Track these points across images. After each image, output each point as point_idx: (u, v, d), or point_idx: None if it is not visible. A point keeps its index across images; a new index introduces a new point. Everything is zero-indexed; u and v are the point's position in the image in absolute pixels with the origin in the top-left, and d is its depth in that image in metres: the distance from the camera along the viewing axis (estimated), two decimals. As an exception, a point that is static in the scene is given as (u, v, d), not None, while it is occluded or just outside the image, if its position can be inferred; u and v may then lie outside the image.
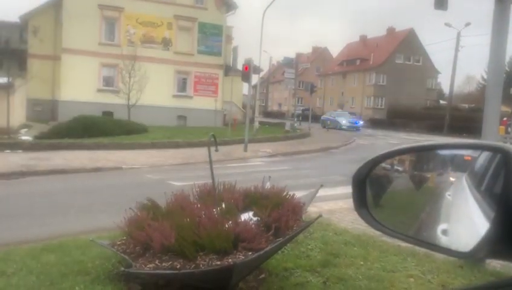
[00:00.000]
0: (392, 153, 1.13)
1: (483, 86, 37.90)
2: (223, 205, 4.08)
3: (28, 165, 11.77)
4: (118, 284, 3.80)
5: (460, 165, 1.23)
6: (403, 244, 5.19)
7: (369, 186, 1.14)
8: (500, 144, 0.95)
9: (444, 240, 1.04)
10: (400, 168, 1.32)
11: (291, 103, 39.57)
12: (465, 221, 1.11)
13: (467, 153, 1.15)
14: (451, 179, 1.24)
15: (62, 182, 10.47)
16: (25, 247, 4.93)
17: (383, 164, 1.22)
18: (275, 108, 77.65)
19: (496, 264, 4.74)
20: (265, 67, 52.47)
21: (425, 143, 1.09)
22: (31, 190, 9.39)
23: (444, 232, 1.08)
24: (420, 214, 1.23)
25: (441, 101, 55.14)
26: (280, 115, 60.96)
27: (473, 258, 1.23)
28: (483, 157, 1.14)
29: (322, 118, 43.71)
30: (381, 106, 55.91)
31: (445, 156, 1.21)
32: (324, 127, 39.26)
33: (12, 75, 19.37)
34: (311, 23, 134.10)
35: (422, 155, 1.26)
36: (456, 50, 37.62)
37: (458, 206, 1.19)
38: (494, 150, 0.97)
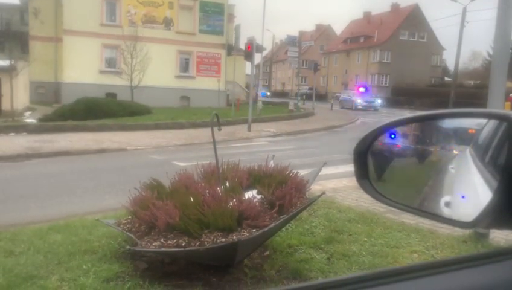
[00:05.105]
0: (393, 123, 1.11)
1: (489, 62, 37.37)
2: (227, 184, 4.10)
3: (33, 148, 11.83)
4: (124, 262, 3.85)
5: (463, 138, 1.21)
6: (407, 220, 5.22)
7: (371, 159, 1.13)
8: (507, 111, 0.93)
9: (447, 211, 1.03)
10: (403, 143, 1.31)
11: (294, 82, 39.25)
12: (468, 192, 1.10)
13: (471, 124, 1.14)
14: (455, 152, 1.23)
15: (67, 163, 10.53)
16: (32, 227, 4.99)
17: (386, 139, 1.21)
18: (279, 88, 77.27)
19: (499, 240, 4.77)
20: (268, 46, 51.95)
21: (428, 112, 1.07)
22: (37, 172, 9.45)
23: (447, 204, 1.08)
24: (423, 188, 1.22)
25: (446, 78, 54.60)
26: (283, 94, 60.81)
27: (475, 227, 1.23)
28: (487, 128, 1.13)
29: (340, 98, 41.34)
30: (385, 83, 55.51)
31: (449, 129, 1.19)
32: (342, 107, 36.99)
33: (14, 58, 19.30)
34: (314, 0, 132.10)
35: (425, 128, 1.24)
36: (462, 25, 36.98)
37: (461, 178, 1.18)
38: (501, 118, 0.95)
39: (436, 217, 1.03)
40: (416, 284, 0.77)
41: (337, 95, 53.50)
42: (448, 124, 1.17)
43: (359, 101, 36.10)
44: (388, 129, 1.13)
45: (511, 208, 0.79)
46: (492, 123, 1.06)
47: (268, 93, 54.77)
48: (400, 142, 1.27)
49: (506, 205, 0.80)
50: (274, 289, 3.44)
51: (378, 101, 37.15)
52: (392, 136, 1.18)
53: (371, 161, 1.13)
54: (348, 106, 36.42)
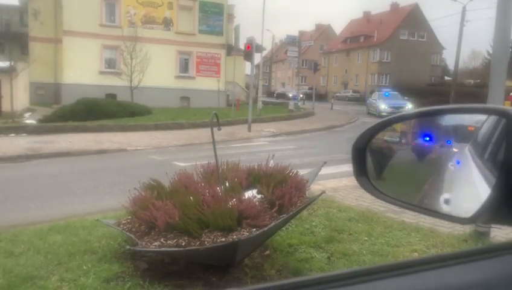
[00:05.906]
0: (392, 120, 1.11)
1: (489, 61, 37.31)
2: (227, 184, 4.10)
3: (33, 148, 11.84)
4: (124, 262, 3.85)
5: (463, 136, 1.21)
6: (407, 219, 5.22)
7: (370, 156, 1.13)
8: (506, 107, 0.93)
9: (446, 208, 1.03)
10: (403, 140, 1.31)
11: (294, 82, 38.89)
12: (467, 189, 1.10)
13: (471, 121, 1.14)
14: (454, 149, 1.22)
15: (67, 164, 10.54)
16: (32, 228, 4.99)
17: (385, 137, 1.21)
18: (279, 87, 77.25)
19: (500, 238, 4.76)
20: (268, 46, 51.91)
21: (428, 108, 1.06)
22: (37, 173, 9.46)
23: (447, 201, 1.08)
24: (423, 185, 1.22)
25: (446, 77, 54.55)
26: (283, 94, 60.72)
27: (474, 223, 1.23)
28: (487, 125, 1.13)
29: (367, 101, 34.46)
30: (385, 83, 55.43)
31: (448, 126, 1.19)
32: (369, 112, 30.53)
33: (14, 59, 19.31)
34: (314, 0, 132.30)
35: (424, 125, 1.24)
36: (461, 25, 36.96)
37: (460, 175, 1.18)
38: (500, 114, 0.95)
39: (435, 213, 1.03)
40: (416, 279, 0.77)
41: (337, 94, 53.49)
42: (448, 121, 1.17)
43: (383, 106, 27.60)
44: (384, 126, 1.12)
45: (509, 203, 0.79)
46: (492, 119, 1.06)
47: (301, 95, 39.06)
48: (411, 141, 1.27)
49: (504, 201, 0.80)
50: (275, 283, 3.44)
51: (409, 106, 27.73)
52: (427, 138, 1.17)
53: (369, 158, 1.13)
54: (373, 112, 29.29)
